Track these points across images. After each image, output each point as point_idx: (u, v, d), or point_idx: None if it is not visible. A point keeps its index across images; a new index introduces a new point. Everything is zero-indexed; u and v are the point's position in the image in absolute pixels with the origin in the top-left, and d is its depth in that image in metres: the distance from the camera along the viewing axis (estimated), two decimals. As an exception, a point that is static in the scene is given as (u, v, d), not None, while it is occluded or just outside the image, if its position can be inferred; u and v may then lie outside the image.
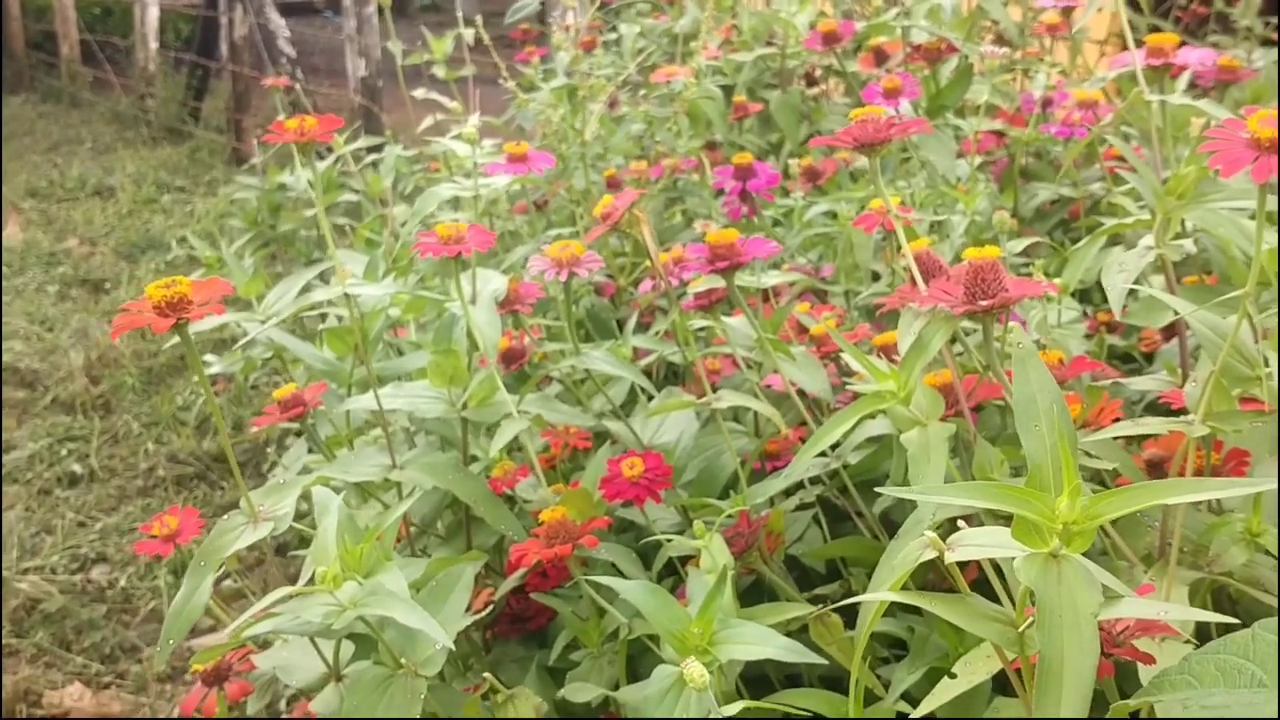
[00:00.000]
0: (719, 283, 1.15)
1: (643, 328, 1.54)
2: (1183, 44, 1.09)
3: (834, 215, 1.64)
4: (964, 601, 0.66)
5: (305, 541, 1.09)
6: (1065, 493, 0.56)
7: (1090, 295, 1.61)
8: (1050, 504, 0.58)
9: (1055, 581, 0.58)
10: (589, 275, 1.11)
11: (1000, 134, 1.78)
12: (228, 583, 2.03)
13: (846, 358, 0.96)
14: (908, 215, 1.08)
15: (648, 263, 1.36)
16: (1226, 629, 0.92)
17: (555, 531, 1.03)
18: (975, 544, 0.64)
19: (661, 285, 1.09)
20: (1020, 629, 0.64)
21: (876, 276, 1.54)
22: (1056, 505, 0.57)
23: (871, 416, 0.95)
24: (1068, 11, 1.69)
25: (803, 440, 1.21)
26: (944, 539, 0.91)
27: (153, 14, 6.05)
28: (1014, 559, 0.61)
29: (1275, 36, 2.21)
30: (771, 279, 1.26)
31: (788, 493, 1.12)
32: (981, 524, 0.88)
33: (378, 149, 2.41)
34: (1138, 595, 0.66)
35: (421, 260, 1.17)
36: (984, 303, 0.84)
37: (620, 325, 1.61)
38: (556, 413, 1.21)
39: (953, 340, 1.00)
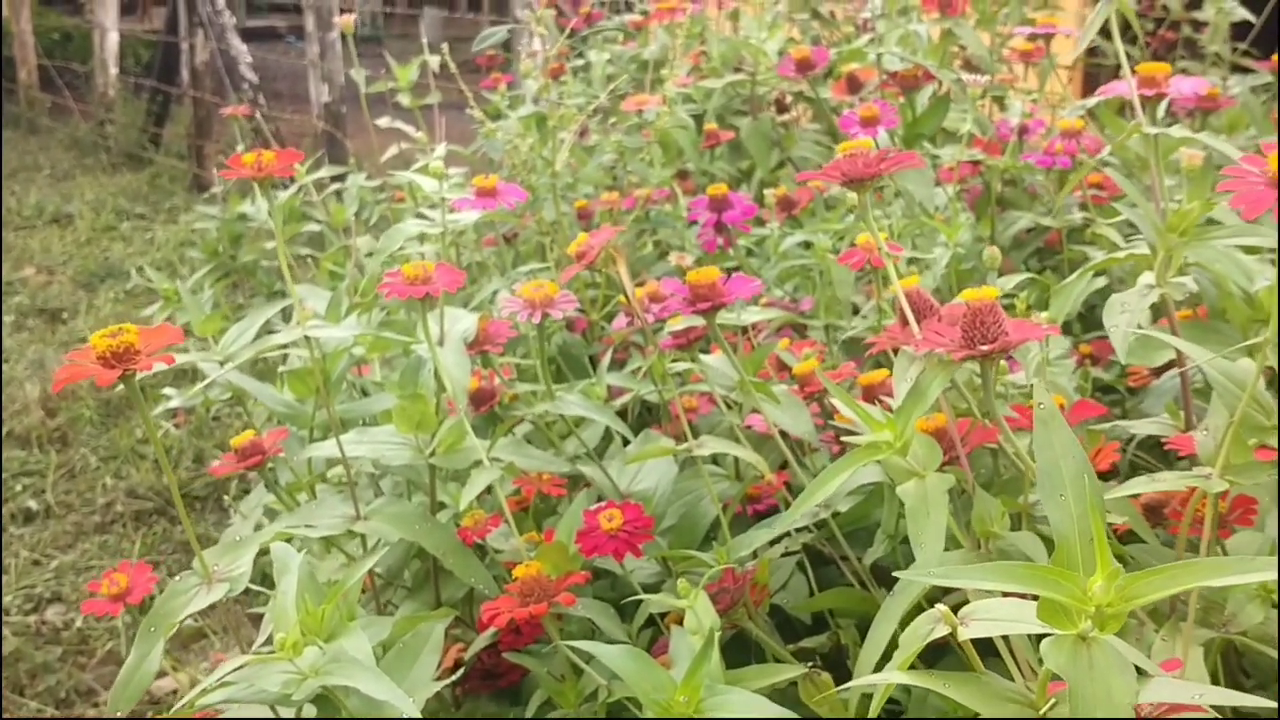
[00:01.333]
0: (698, 322, 1.11)
1: (617, 365, 1.50)
2: (1174, 73, 1.05)
3: (809, 245, 1.60)
4: (979, 681, 0.60)
5: (267, 575, 1.03)
6: (1099, 573, 0.51)
7: (1071, 326, 1.57)
8: (1081, 585, 0.52)
9: (1087, 667, 0.52)
10: (563, 316, 1.05)
11: (976, 162, 1.74)
12: (188, 621, 1.95)
13: (832, 398, 0.91)
14: (898, 253, 1.03)
15: (622, 298, 1.30)
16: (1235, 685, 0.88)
17: (529, 588, 0.98)
18: (992, 619, 0.59)
19: (637, 323, 1.03)
20: (1042, 712, 0.58)
21: (856, 310, 1.49)
22: (1089, 586, 0.51)
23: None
24: (1045, 38, 1.66)
25: (787, 486, 1.17)
26: (944, 599, 0.85)
27: (112, 39, 5.95)
28: (1034, 633, 0.55)
29: (1243, 63, 2.19)
30: (752, 315, 1.23)
31: (773, 540, 1.07)
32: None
33: (341, 178, 2.34)
34: (1164, 671, 0.60)
35: (387, 298, 1.11)
36: (984, 347, 0.80)
37: (593, 362, 1.59)
38: (529, 459, 1.16)
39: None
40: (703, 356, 1.21)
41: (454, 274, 1.06)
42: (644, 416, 1.51)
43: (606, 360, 1.37)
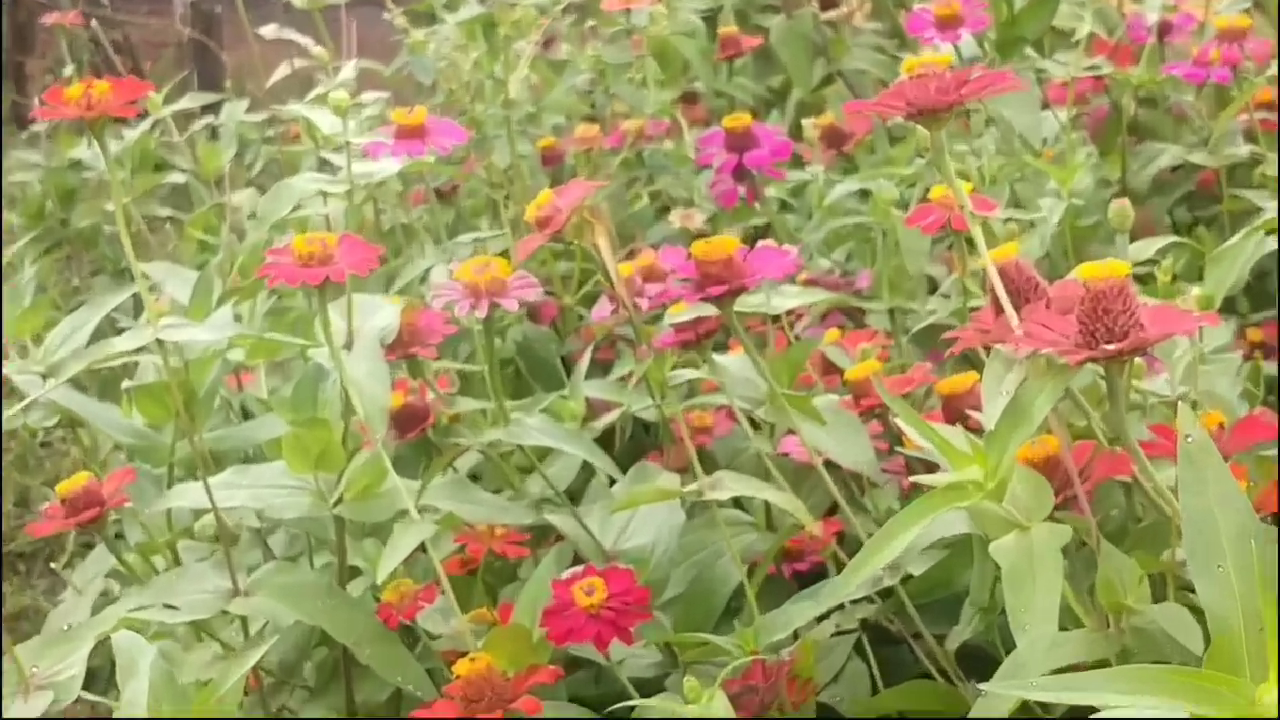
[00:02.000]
0: (711, 310, 1.10)
1: (599, 368, 1.50)
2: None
3: (866, 197, 1.60)
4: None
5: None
6: (1272, 680, 0.50)
7: (1234, 303, 1.57)
8: (1249, 696, 0.51)
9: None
10: (520, 306, 1.06)
11: (1098, 76, 1.73)
12: None
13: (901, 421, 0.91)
14: (989, 209, 1.02)
15: (603, 278, 1.30)
16: None
17: (476, 689, 0.98)
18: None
19: (625, 313, 1.06)
20: None
21: (933, 288, 1.49)
22: (1258, 698, 0.51)
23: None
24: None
25: (839, 538, 1.17)
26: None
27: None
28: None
29: None
30: (788, 299, 1.23)
31: (820, 616, 1.07)
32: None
33: (214, 109, 2.33)
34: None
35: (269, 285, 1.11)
36: (1111, 346, 0.79)
37: (566, 365, 1.59)
38: (476, 506, 1.17)
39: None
40: (718, 357, 1.21)
41: (365, 250, 1.05)
42: (637, 442, 1.52)
43: (584, 363, 1.34)
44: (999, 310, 0.90)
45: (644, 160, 1.80)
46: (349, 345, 1.13)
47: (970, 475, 0.82)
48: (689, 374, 1.14)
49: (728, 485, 1.06)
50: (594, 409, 1.40)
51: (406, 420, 1.29)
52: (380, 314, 1.16)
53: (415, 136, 1.21)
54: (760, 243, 1.14)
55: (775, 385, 1.09)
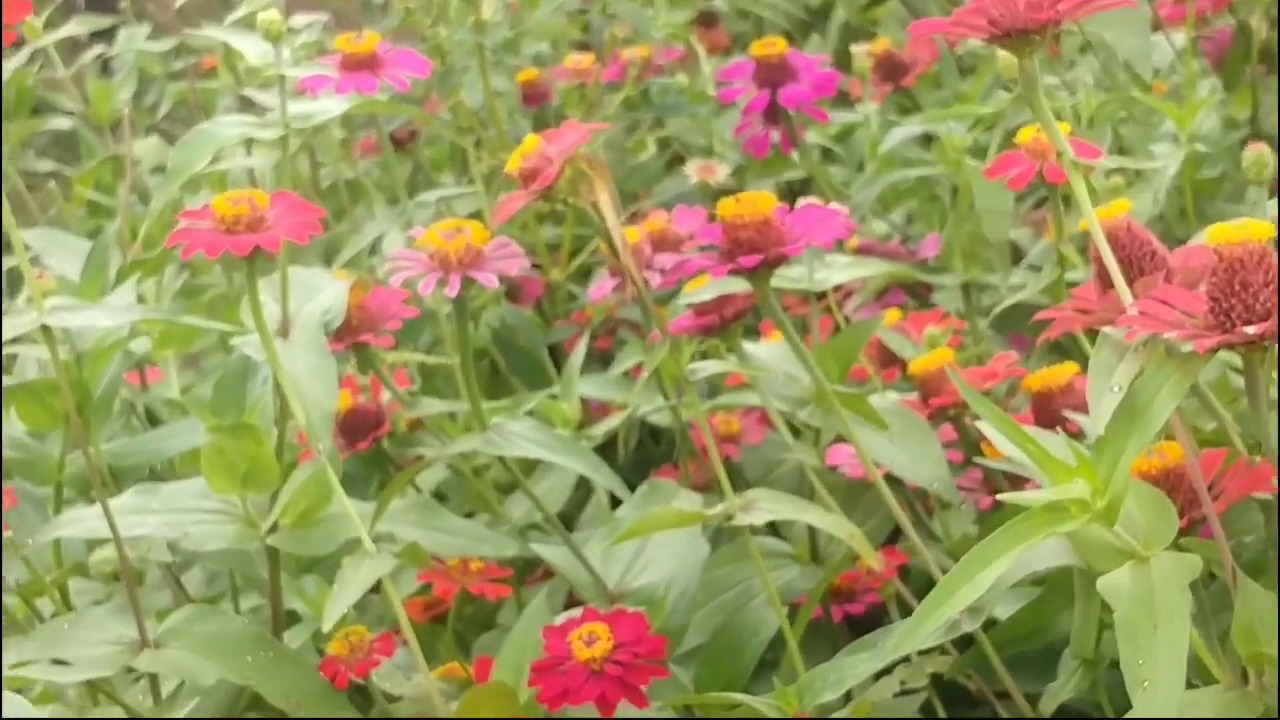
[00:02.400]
0: (742, 287, 1.11)
1: (596, 360, 1.50)
2: None
3: (931, 143, 1.61)
4: None
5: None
6: None
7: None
8: None
9: None
10: (499, 282, 1.08)
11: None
12: None
13: (978, 418, 0.91)
14: (1094, 156, 1.02)
15: (604, 245, 1.30)
16: None
17: (449, 766, 0.98)
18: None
19: (631, 290, 1.06)
20: None
21: (1017, 255, 1.49)
22: None
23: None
24: None
25: (902, 573, 1.18)
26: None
27: None
28: None
29: None
30: (838, 273, 1.25)
31: (880, 671, 1.06)
32: None
33: (107, 35, 2.33)
34: None
35: (183, 257, 1.12)
36: (1251, 329, 0.80)
37: (555, 355, 1.59)
38: (445, 534, 1.17)
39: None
40: (748, 346, 1.22)
41: (304, 211, 1.04)
42: (645, 453, 1.53)
43: (579, 354, 1.35)
44: (1106, 284, 0.91)
45: (651, 98, 1.79)
46: (284, 332, 1.13)
47: (1073, 492, 0.82)
48: (712, 367, 1.14)
49: (764, 507, 1.07)
50: (591, 412, 1.41)
51: (355, 426, 1.30)
52: (323, 293, 1.16)
53: (365, 69, 1.19)
54: (802, 201, 1.14)
55: (823, 380, 1.09)
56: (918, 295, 1.53)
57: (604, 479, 1.16)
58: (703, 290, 1.15)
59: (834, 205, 1.15)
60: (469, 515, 1.46)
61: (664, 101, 1.78)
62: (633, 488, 1.28)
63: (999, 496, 0.83)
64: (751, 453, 1.42)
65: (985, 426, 0.92)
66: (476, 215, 1.61)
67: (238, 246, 1.01)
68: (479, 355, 1.58)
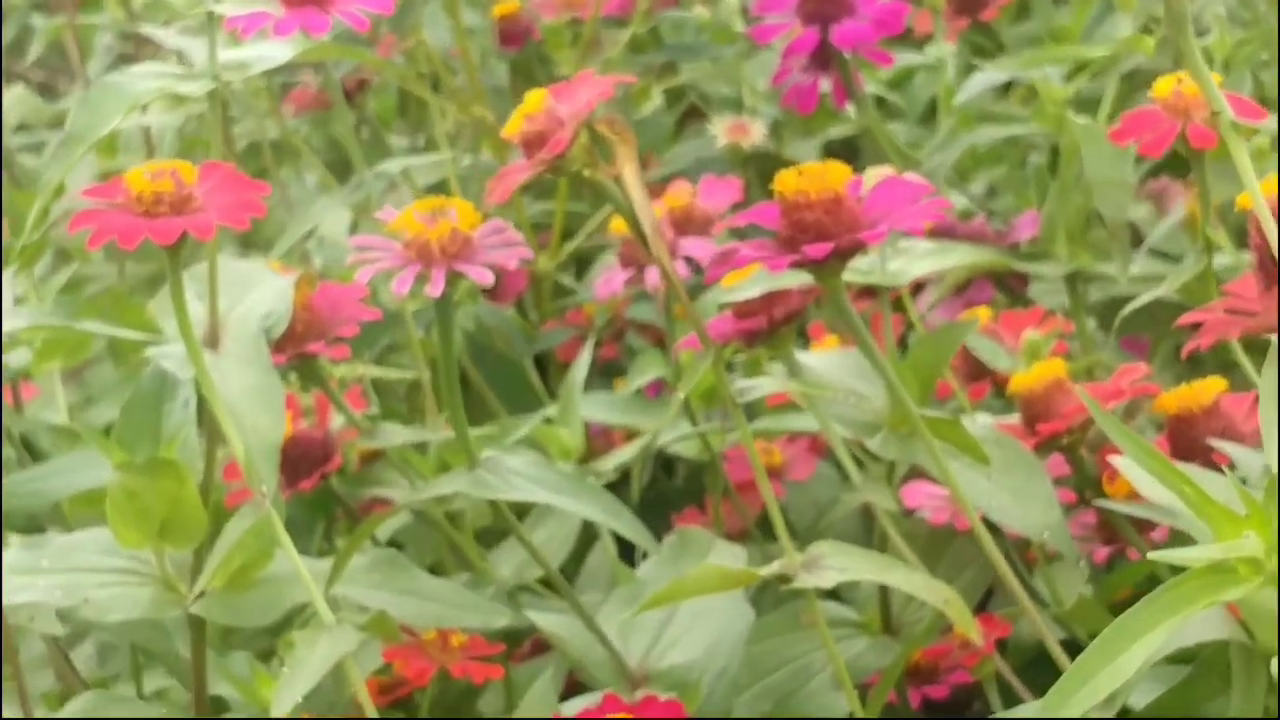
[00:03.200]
0: (797, 281, 1.12)
1: (598, 372, 1.51)
2: None
3: (1012, 91, 1.64)
4: None
5: None
6: None
7: None
8: None
9: None
10: (491, 275, 1.06)
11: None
12: None
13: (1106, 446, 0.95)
14: (1257, 115, 1.02)
15: (617, 224, 1.34)
16: None
17: None
18: None
19: (661, 286, 1.10)
20: None
21: (1137, 240, 1.50)
22: None
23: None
24: None
25: (1001, 647, 1.19)
26: None
27: None
28: None
29: None
30: (920, 262, 1.26)
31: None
32: None
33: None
34: None
35: (89, 246, 1.12)
36: None
37: (542, 366, 1.61)
38: (419, 599, 1.17)
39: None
40: (801, 356, 1.22)
41: (242, 187, 1.05)
42: (658, 488, 1.54)
43: (581, 365, 1.36)
44: (1270, 279, 0.91)
45: (661, 37, 1.78)
46: (213, 341, 1.13)
47: (1244, 549, 0.82)
48: (767, 385, 1.15)
49: (832, 565, 1.06)
50: (595, 438, 1.43)
51: (297, 460, 1.30)
52: (262, 290, 1.16)
53: (312, 3, 1.18)
54: (874, 171, 1.14)
55: (908, 401, 1.08)
56: (1008, 288, 1.53)
57: (629, 530, 1.14)
58: (746, 285, 1.16)
59: (910, 176, 1.16)
60: (434, 570, 1.46)
61: (680, 41, 1.76)
62: (655, 538, 1.26)
63: (1156, 556, 0.82)
64: (797, 490, 1.42)
65: (1122, 462, 0.94)
66: (440, 187, 1.62)
67: (160, 233, 1.01)
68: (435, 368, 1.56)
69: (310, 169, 1.81)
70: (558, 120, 1.02)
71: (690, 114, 1.84)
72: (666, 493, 1.55)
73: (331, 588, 1.14)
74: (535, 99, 1.03)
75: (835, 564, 1.07)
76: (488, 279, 1.07)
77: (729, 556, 1.20)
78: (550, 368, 1.68)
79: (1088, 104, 1.53)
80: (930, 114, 1.99)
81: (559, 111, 1.03)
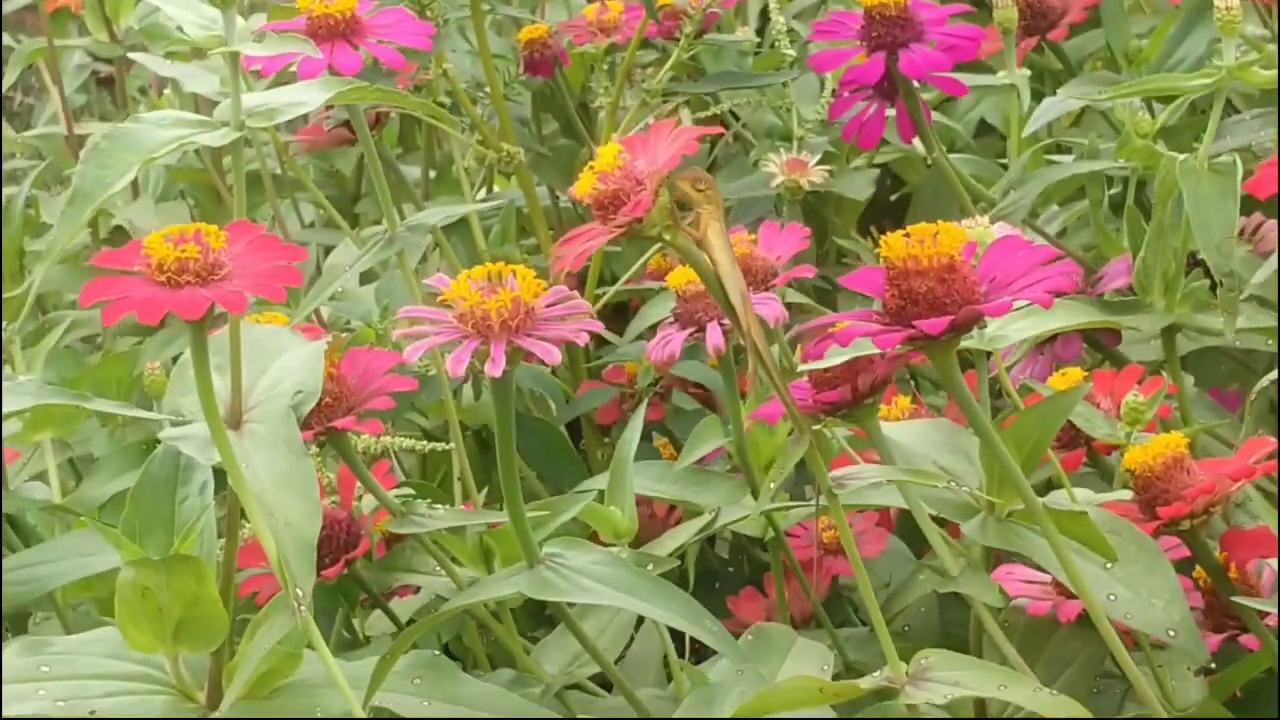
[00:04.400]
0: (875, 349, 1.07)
1: (643, 433, 1.45)
2: None
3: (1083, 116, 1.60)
4: None
5: None
6: None
7: None
8: None
9: None
10: (558, 353, 1.03)
11: None
12: None
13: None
14: None
15: (674, 282, 1.30)
16: None
17: None
18: None
19: (753, 367, 1.04)
20: None
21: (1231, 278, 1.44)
22: None
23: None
24: None
25: None
26: None
27: None
28: None
29: None
30: (1020, 325, 1.20)
31: None
32: None
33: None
34: None
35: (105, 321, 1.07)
36: None
37: (572, 428, 1.59)
38: (467, 709, 1.13)
39: None
40: (887, 428, 1.19)
41: (275, 251, 1.00)
42: (705, 563, 1.52)
43: (634, 433, 1.32)
44: None
45: (700, 62, 1.72)
46: (234, 420, 1.07)
47: None
48: (869, 474, 1.10)
49: (943, 677, 1.03)
50: (653, 514, 1.47)
51: (320, 544, 1.22)
52: (288, 359, 1.12)
53: (342, 36, 1.15)
54: (984, 226, 1.16)
55: (1024, 485, 1.05)
56: (1096, 342, 1.50)
57: (712, 637, 1.10)
58: (829, 354, 1.11)
59: (1020, 235, 1.11)
60: (450, 651, 1.46)
61: (722, 68, 1.70)
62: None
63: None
64: (866, 569, 1.36)
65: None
66: (454, 228, 1.59)
67: (186, 306, 0.96)
68: (466, 430, 1.55)
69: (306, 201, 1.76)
70: (635, 179, 0.98)
71: (735, 139, 1.83)
72: (713, 569, 1.55)
73: (372, 699, 1.10)
74: (609, 154, 0.99)
75: (946, 677, 1.05)
76: (555, 357, 1.03)
77: (814, 659, 1.16)
78: (580, 428, 1.67)
79: (1175, 135, 1.52)
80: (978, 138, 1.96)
81: (636, 167, 0.99)
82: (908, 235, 1.00)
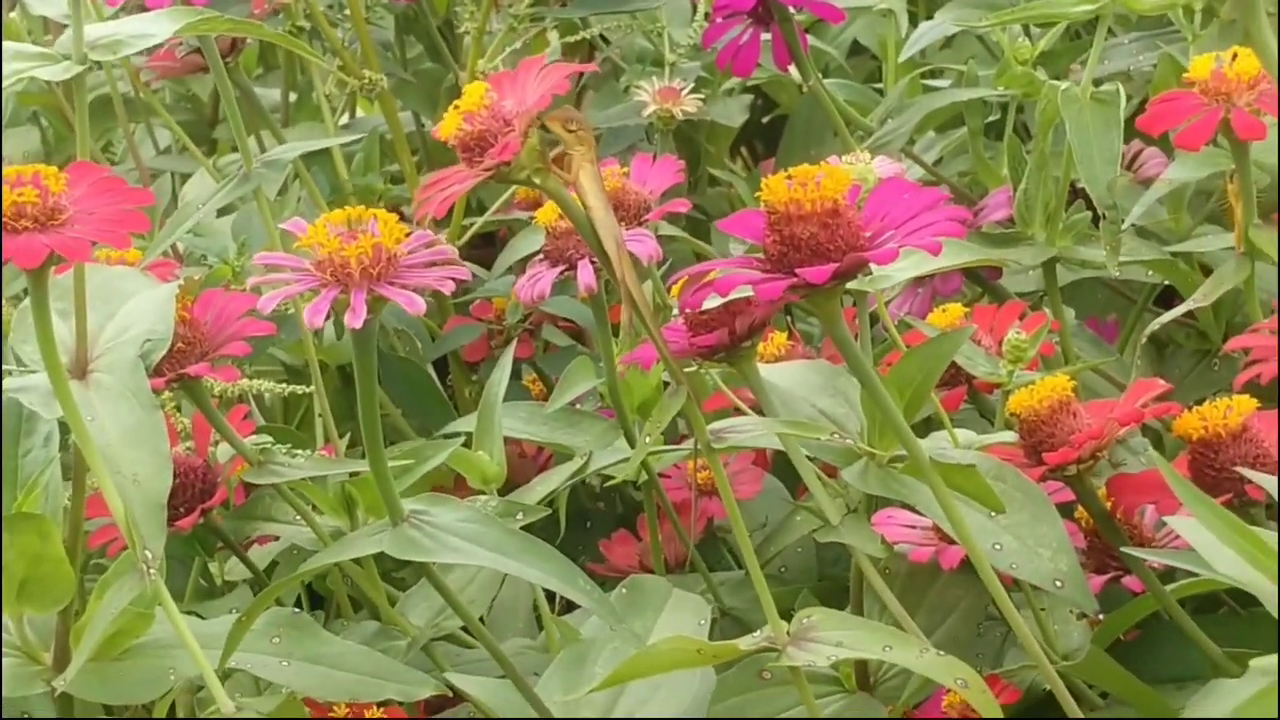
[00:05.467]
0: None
1: (512, 371, 1.44)
2: None
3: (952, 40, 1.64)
4: None
5: None
6: None
7: None
8: None
9: None
10: (421, 303, 0.98)
11: None
12: None
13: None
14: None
15: (543, 219, 1.28)
16: None
17: None
18: None
19: (628, 316, 1.02)
20: None
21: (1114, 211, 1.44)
22: None
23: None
24: None
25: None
26: None
27: None
28: None
29: None
30: (906, 265, 1.19)
31: None
32: None
33: None
34: None
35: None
36: None
37: (439, 365, 1.60)
38: (329, 668, 1.12)
39: None
40: (766, 370, 1.16)
41: (119, 194, 0.97)
42: (576, 502, 1.50)
43: (502, 374, 1.30)
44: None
45: None
46: (79, 370, 1.04)
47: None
48: (751, 429, 1.09)
49: (825, 637, 1.01)
50: (517, 457, 1.49)
51: (174, 493, 1.19)
52: (138, 303, 1.09)
53: None
54: (862, 159, 1.14)
55: (909, 436, 1.02)
56: (976, 276, 1.49)
57: (588, 599, 1.07)
58: (712, 300, 1.07)
59: (899, 169, 1.09)
60: (312, 595, 1.45)
61: None
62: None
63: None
64: (742, 510, 1.34)
65: (1186, 526, 0.89)
66: (315, 157, 1.59)
67: (24, 253, 0.93)
68: (325, 369, 1.52)
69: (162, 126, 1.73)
70: (503, 119, 0.96)
71: (602, 62, 1.80)
72: (584, 508, 1.53)
73: (227, 658, 1.08)
74: (476, 93, 0.96)
75: (829, 637, 1.03)
76: (419, 307, 0.99)
77: (691, 613, 1.15)
78: (447, 364, 1.65)
79: (1050, 62, 1.53)
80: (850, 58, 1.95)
81: (504, 107, 0.96)
82: (789, 178, 0.96)
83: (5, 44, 1.08)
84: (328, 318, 0.98)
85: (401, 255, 0.99)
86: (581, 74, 1.76)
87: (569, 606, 1.32)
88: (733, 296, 1.08)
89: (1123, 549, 1.11)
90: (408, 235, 1.00)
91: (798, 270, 0.94)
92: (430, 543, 1.06)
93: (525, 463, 1.53)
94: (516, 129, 0.94)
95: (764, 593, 1.03)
